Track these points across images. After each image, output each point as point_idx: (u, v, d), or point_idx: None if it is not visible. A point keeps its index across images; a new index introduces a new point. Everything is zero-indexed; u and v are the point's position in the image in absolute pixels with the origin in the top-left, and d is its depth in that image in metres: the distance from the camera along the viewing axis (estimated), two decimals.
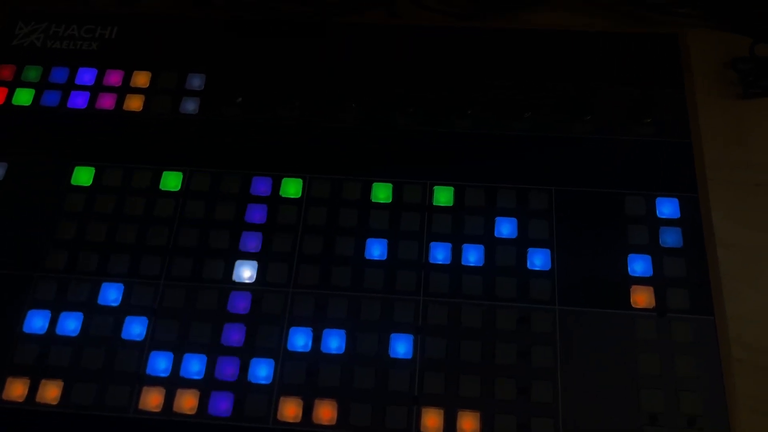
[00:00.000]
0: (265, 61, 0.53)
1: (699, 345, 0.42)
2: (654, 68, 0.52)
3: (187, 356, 0.43)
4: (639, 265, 0.45)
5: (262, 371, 0.43)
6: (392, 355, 0.43)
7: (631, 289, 0.44)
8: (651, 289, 0.44)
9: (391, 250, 0.46)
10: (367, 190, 0.48)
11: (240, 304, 0.44)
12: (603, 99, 0.50)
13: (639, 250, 0.45)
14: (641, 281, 0.44)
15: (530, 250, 0.45)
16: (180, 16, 0.56)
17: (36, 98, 0.52)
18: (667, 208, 0.46)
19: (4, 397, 0.42)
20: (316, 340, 0.43)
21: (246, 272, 0.45)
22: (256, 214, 0.47)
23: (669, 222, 0.46)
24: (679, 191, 0.47)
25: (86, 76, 0.53)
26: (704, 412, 0.41)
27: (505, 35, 0.54)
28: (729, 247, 0.47)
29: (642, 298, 0.44)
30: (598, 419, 0.41)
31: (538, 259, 0.45)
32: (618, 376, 0.42)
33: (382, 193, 0.48)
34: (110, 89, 0.52)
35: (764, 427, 0.42)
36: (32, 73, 0.53)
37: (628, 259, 0.45)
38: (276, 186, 0.48)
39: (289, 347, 0.43)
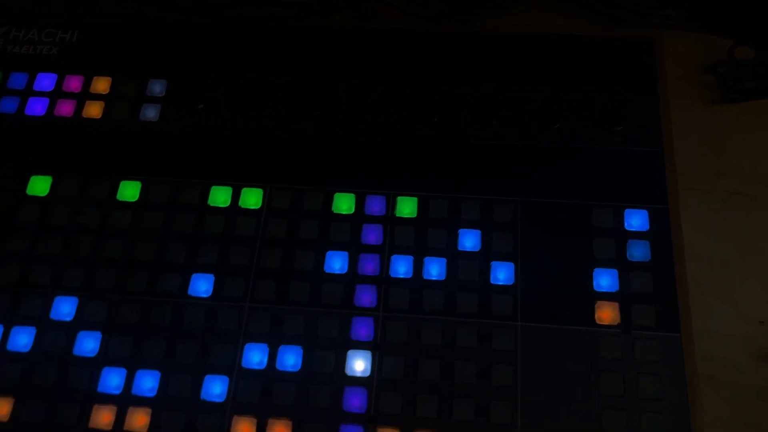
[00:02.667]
0: (227, 68, 0.52)
1: (664, 363, 0.41)
2: (627, 73, 0.50)
3: (139, 372, 0.42)
4: (605, 280, 0.43)
5: (215, 389, 0.42)
6: (349, 373, 0.42)
7: (596, 305, 0.43)
8: (616, 305, 0.43)
9: (352, 263, 0.45)
10: (329, 201, 0.47)
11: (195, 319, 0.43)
12: (572, 106, 0.49)
13: (605, 264, 0.44)
14: (607, 297, 0.43)
15: (494, 263, 0.44)
16: (142, 20, 0.54)
17: None
18: (635, 220, 0.45)
19: None
20: (272, 356, 0.42)
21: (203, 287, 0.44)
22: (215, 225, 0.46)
23: (637, 235, 0.45)
24: (649, 202, 0.45)
25: (45, 81, 0.52)
26: None
27: (472, 40, 0.52)
28: (699, 260, 0.45)
29: (607, 314, 0.43)
30: None
31: (502, 273, 0.44)
32: (580, 396, 0.41)
33: (344, 203, 0.47)
34: (69, 95, 0.51)
35: None
36: None
37: (594, 273, 0.44)
38: (236, 196, 0.47)
39: (244, 364, 0.42)
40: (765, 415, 0.42)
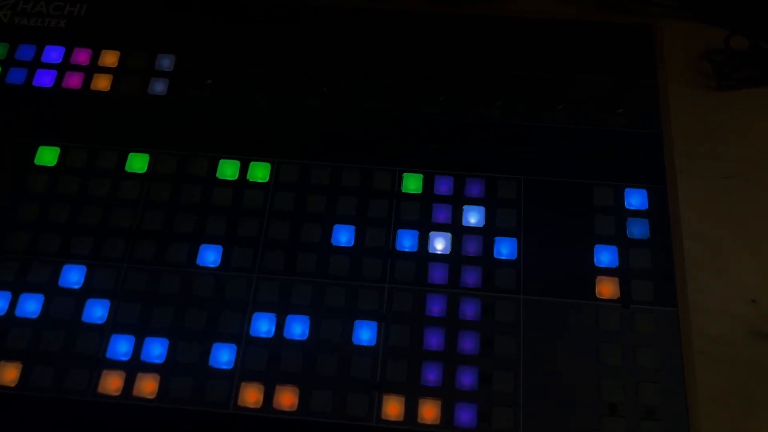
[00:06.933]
0: (236, 44, 0.52)
1: (661, 337, 0.43)
2: (627, 58, 0.51)
3: (148, 340, 0.43)
4: (605, 256, 0.45)
5: (223, 356, 0.42)
6: (356, 342, 0.43)
7: (596, 280, 0.44)
8: (616, 280, 0.44)
9: (359, 236, 0.45)
10: (337, 176, 0.47)
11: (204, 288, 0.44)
12: (575, 88, 0.50)
13: (606, 240, 0.45)
14: (607, 272, 0.44)
15: (497, 239, 0.45)
16: None
17: (1, 76, 0.51)
18: (635, 199, 0.46)
19: None
20: (280, 326, 0.43)
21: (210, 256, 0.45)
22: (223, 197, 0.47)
23: (637, 213, 0.46)
24: (648, 182, 0.47)
25: (53, 53, 0.52)
26: (663, 403, 0.41)
27: (477, 21, 0.53)
28: (696, 239, 0.47)
29: (607, 289, 0.44)
30: (558, 409, 0.41)
31: (505, 248, 0.45)
32: (580, 367, 0.42)
33: (351, 179, 0.47)
34: (77, 68, 0.51)
35: (723, 418, 0.42)
36: None
37: (595, 249, 0.45)
38: (243, 170, 0.48)
39: (252, 333, 0.43)
40: (756, 389, 0.43)
